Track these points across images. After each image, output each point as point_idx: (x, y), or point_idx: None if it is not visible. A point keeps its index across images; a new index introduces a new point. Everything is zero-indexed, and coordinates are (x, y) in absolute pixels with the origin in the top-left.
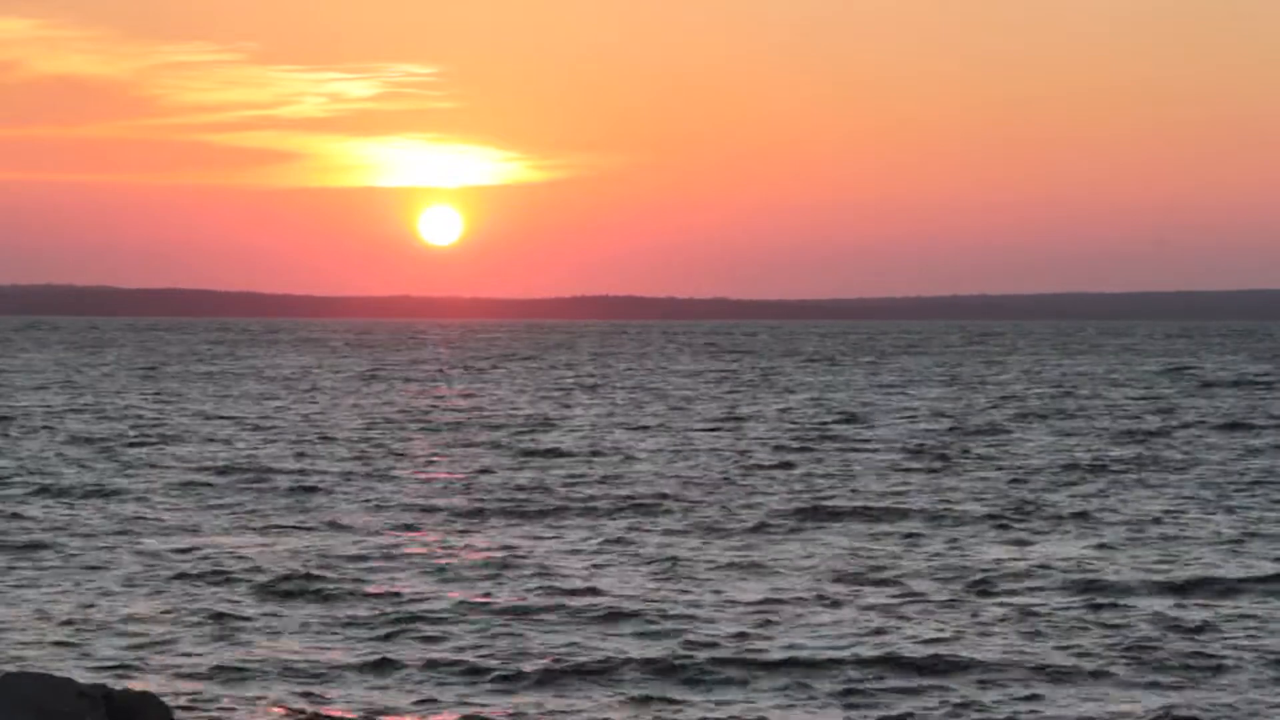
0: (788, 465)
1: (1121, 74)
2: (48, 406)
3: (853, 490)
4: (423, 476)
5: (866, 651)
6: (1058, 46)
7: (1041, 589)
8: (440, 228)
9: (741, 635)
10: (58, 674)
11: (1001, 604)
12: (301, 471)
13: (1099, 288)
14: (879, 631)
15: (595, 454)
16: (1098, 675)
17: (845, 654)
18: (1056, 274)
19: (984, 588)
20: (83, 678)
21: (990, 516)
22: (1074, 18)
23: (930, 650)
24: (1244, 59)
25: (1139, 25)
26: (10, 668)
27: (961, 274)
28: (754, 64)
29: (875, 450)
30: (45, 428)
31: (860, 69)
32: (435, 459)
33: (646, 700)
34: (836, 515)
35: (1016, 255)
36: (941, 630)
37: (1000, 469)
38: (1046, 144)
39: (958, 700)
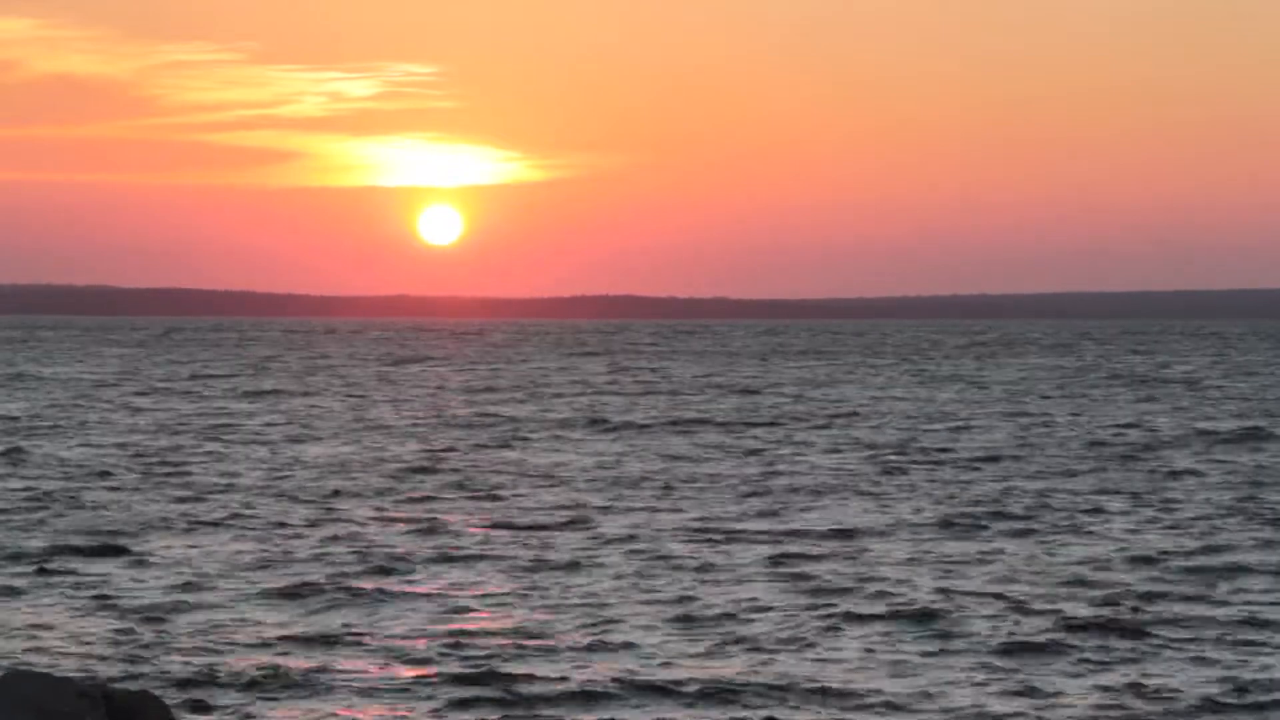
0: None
1: (1121, 74)
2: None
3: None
4: (400, 478)
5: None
6: (1058, 46)
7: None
8: (440, 227)
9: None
10: (58, 674)
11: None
12: (282, 476)
13: (1099, 287)
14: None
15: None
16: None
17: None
18: (1056, 274)
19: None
20: (83, 678)
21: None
22: (1074, 18)
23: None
24: (1244, 59)
25: (1139, 25)
26: (10, 667)
27: (961, 274)
28: (754, 64)
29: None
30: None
31: (860, 69)
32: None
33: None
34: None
35: (1016, 255)
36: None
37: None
38: (1046, 144)
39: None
